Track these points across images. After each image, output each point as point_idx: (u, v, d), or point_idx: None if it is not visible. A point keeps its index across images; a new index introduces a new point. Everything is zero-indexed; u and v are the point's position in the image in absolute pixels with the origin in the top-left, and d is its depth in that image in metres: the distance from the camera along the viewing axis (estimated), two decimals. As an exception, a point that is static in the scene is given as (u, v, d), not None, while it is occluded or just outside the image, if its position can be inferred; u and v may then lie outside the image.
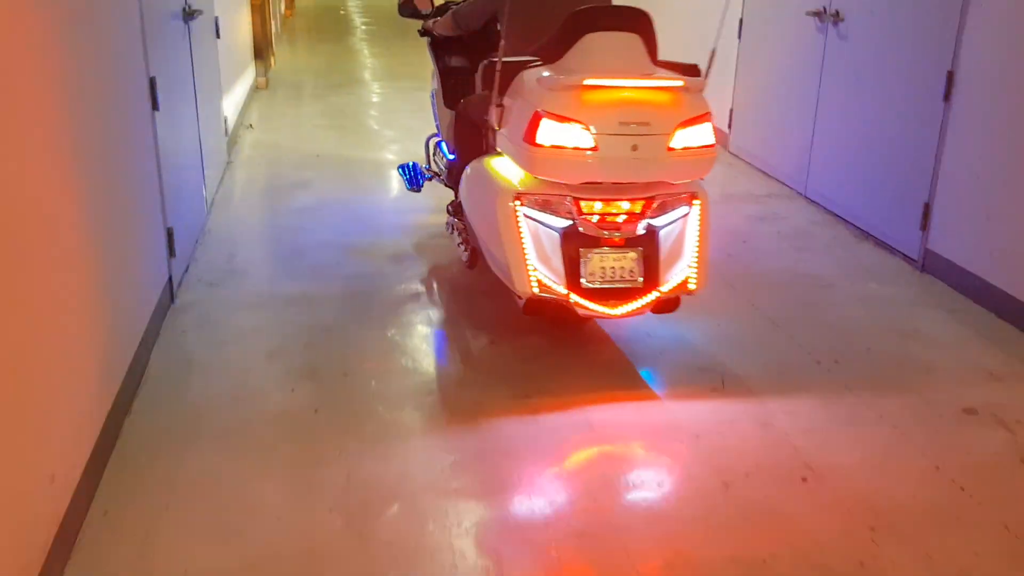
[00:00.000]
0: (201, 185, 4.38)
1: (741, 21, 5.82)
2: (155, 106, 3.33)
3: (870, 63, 4.49)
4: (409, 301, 3.63)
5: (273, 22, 9.36)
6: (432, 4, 3.97)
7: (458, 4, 3.69)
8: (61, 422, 2.18)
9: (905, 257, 4.24)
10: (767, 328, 3.50)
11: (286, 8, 12.93)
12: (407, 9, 3.97)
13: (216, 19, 5.19)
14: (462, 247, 3.51)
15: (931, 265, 4.07)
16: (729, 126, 6.07)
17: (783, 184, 5.35)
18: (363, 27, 12.76)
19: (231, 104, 5.97)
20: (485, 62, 3.22)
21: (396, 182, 5.24)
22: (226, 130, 5.45)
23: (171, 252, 3.51)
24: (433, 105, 4.20)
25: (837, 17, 4.74)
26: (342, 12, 14.55)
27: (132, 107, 3.09)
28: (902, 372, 3.17)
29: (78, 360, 2.34)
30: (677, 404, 2.92)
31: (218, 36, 5.24)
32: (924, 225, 4.09)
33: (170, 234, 3.50)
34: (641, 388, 3.01)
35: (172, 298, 3.51)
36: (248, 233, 4.38)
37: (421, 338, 3.34)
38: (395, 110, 7.21)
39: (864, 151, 4.54)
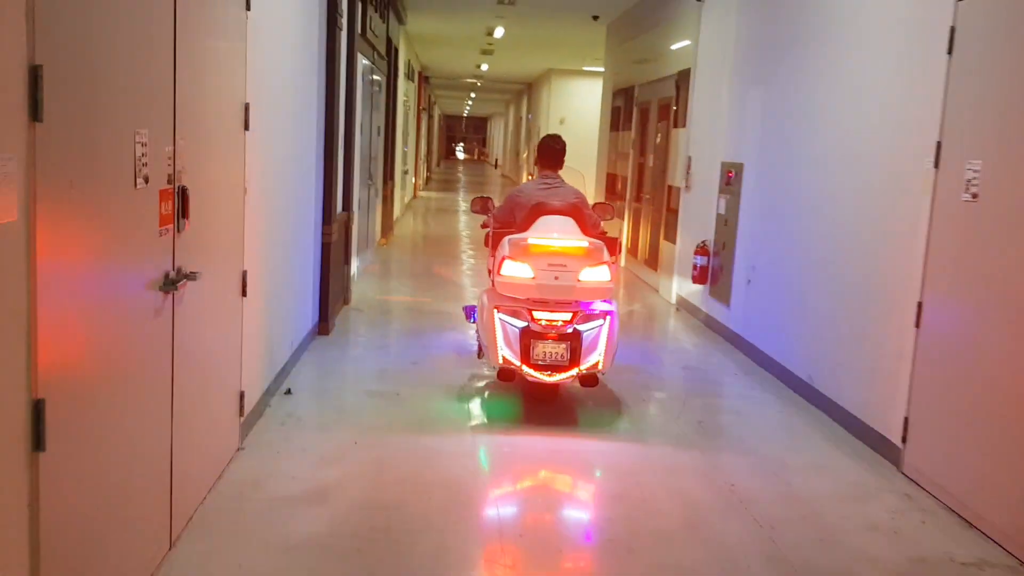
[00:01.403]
0: (164, 515, 3.11)
1: (920, 304, 4.44)
2: (38, 445, 2.11)
3: None
4: None
5: (354, 261, 8.53)
6: (494, 206, 5.65)
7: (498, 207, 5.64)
8: None
9: None
10: None
11: (381, 236, 12.35)
12: (477, 209, 5.72)
13: (244, 274, 4.15)
14: (476, 345, 5.71)
15: None
16: (903, 439, 4.53)
17: (999, 546, 3.70)
18: (468, 259, 11.88)
19: (263, 368, 4.84)
20: (487, 231, 5.59)
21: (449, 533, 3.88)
22: (242, 409, 4.26)
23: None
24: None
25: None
26: (447, 240, 13.90)
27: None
28: None
29: None
30: None
31: (244, 294, 4.18)
32: None
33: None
34: None
35: None
36: (215, 589, 3.02)
37: None
38: (478, 376, 5.98)
39: None
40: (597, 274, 4.83)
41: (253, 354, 4.50)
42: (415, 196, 21.74)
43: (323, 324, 6.82)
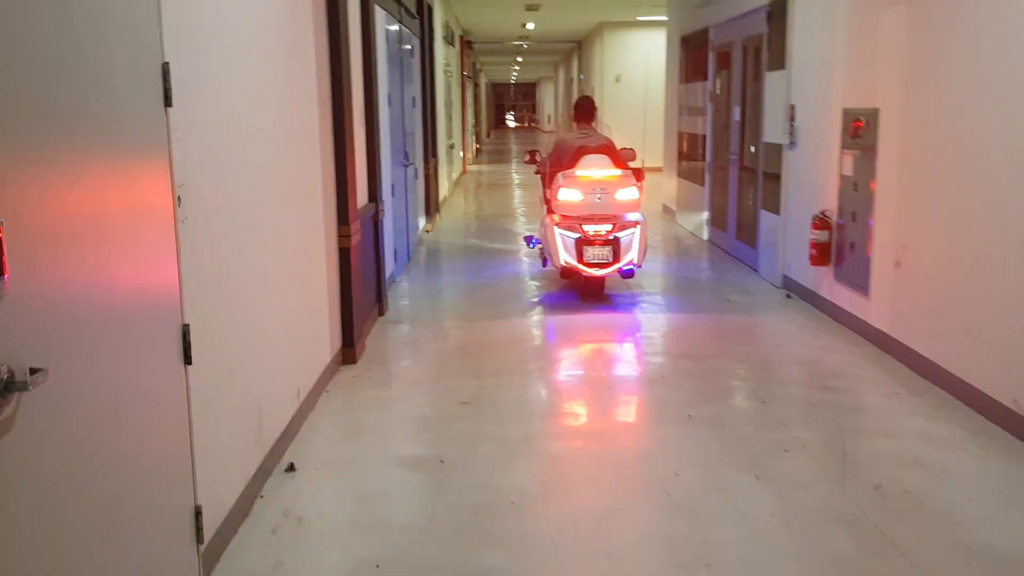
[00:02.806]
0: None
1: None
2: None
3: None
4: None
5: (389, 261, 7.04)
6: (541, 154, 7.62)
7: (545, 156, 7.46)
8: None
9: None
10: None
11: (426, 222, 10.86)
12: (527, 160, 7.67)
13: (185, 330, 2.67)
14: (540, 257, 7.50)
15: None
16: None
17: None
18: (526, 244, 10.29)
19: (244, 451, 3.39)
20: (544, 171, 7.37)
21: None
22: (200, 533, 2.81)
23: None
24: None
25: None
26: (501, 220, 12.28)
27: None
28: None
29: None
30: None
31: (189, 361, 2.71)
32: None
33: None
34: None
35: None
36: None
37: None
38: (547, 414, 4.45)
39: None
40: (628, 194, 6.62)
41: (221, 440, 3.05)
42: (464, 171, 20.18)
43: (348, 350, 5.36)
